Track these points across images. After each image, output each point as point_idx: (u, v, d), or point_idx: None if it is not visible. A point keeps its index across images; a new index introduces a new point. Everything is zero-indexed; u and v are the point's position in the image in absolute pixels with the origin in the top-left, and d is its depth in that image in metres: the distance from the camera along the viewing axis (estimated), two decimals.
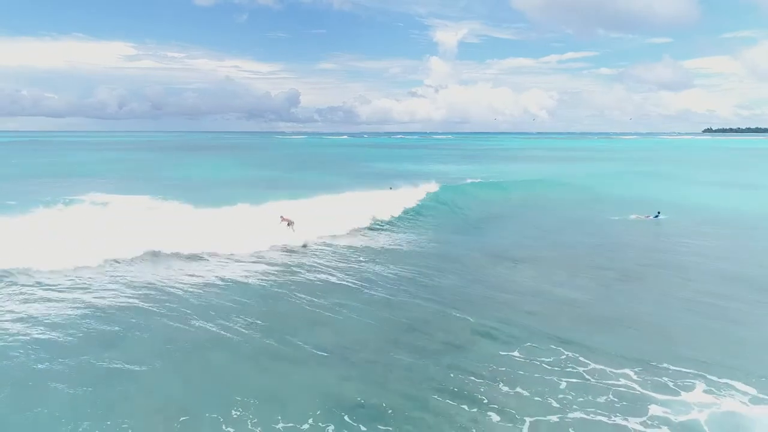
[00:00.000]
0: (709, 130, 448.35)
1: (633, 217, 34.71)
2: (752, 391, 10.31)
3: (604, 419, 9.36)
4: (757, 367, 11.38)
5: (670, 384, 10.64)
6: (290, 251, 22.39)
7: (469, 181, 46.11)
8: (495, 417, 9.33)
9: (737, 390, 10.38)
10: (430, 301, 15.56)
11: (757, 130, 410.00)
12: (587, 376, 10.98)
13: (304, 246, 23.25)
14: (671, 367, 11.28)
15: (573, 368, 11.31)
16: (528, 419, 9.22)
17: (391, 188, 38.20)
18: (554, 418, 9.31)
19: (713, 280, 18.92)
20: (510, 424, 9.13)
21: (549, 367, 11.32)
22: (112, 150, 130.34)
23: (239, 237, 22.16)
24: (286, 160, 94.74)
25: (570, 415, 9.44)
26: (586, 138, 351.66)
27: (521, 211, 35.69)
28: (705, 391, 10.32)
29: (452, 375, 10.81)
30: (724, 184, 53.11)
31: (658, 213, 33.64)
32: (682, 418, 9.41)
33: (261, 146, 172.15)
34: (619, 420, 9.35)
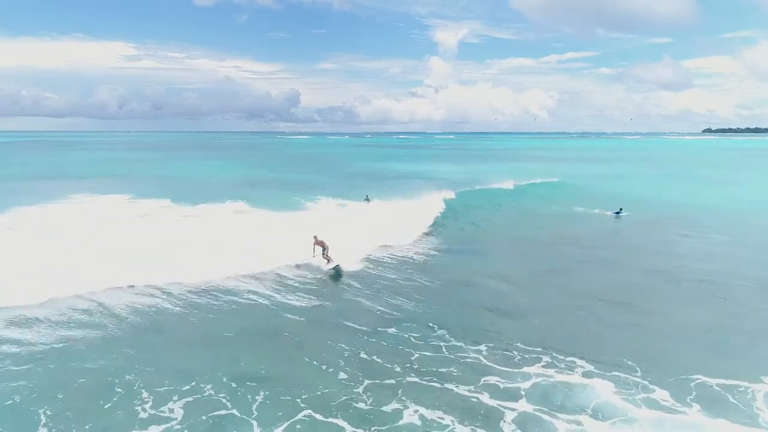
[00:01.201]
0: (708, 130, 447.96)
1: (597, 211, 36.43)
2: (589, 366, 12.02)
3: (436, 384, 11.10)
4: (613, 350, 13.07)
5: (516, 359, 12.40)
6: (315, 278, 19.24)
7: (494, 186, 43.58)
8: (342, 375, 11.25)
9: (576, 365, 12.06)
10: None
11: (757, 131, 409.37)
12: (444, 351, 12.79)
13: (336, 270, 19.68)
14: (524, 346, 13.07)
15: (434, 343, 13.21)
16: (367, 381, 11.21)
17: (367, 199, 37.13)
18: (391, 381, 11.19)
19: (634, 274, 20.51)
20: (351, 383, 11.05)
21: (412, 341, 13.25)
22: (111, 150, 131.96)
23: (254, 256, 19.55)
24: (305, 162, 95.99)
25: (407, 379, 11.29)
26: (586, 138, 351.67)
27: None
28: (544, 366, 12.03)
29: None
30: (708, 183, 54.96)
31: (620, 210, 35.17)
32: (509, 385, 11.11)
33: (270, 147, 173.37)
34: (449, 385, 11.10)
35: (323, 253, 20.09)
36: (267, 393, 10.54)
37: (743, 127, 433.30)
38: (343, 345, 13.11)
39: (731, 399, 10.55)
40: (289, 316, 15.27)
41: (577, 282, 19.44)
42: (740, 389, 10.92)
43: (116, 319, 14.49)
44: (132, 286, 16.98)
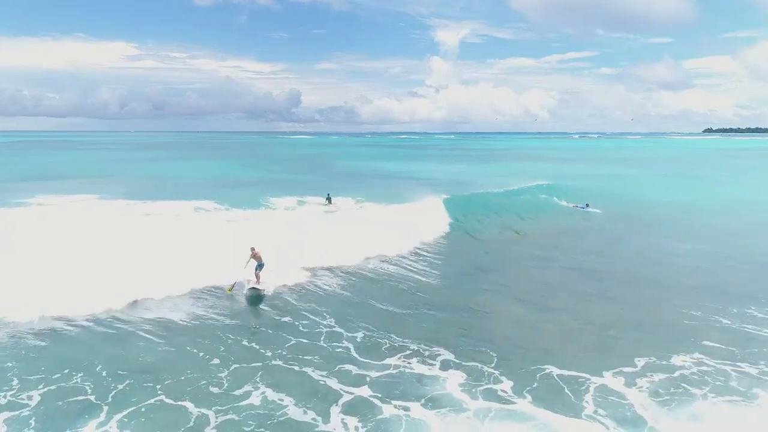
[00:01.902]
0: (709, 130, 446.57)
1: (563, 203, 37.20)
2: (450, 358, 12.73)
3: (295, 369, 11.98)
4: (485, 344, 13.77)
5: (383, 349, 13.17)
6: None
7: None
8: (214, 361, 11.80)
9: (438, 357, 12.75)
10: None
11: (758, 130, 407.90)
12: (320, 340, 13.59)
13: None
14: (397, 338, 13.83)
15: (316, 330, 13.97)
16: (235, 366, 11.93)
17: (328, 199, 37.17)
18: (257, 364, 11.92)
19: (561, 271, 21.31)
20: (216, 368, 11.57)
21: (297, 330, 13.96)
22: (103, 150, 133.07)
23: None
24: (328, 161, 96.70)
25: (272, 363, 12.22)
26: (585, 138, 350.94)
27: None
28: (406, 356, 12.75)
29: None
30: (696, 182, 55.80)
31: (587, 204, 35.92)
32: (360, 373, 11.84)
33: (267, 146, 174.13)
34: (306, 370, 11.97)
35: (255, 271, 17.73)
36: (131, 382, 11.25)
37: (743, 127, 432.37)
38: (224, 335, 13.83)
39: (566, 390, 11.17)
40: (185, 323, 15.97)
41: (497, 279, 20.03)
42: (579, 381, 11.55)
43: None
44: None
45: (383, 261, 21.78)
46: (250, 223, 27.66)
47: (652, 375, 11.90)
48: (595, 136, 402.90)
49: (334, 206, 36.17)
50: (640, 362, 12.55)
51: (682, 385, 11.49)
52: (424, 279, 19.84)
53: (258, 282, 17.65)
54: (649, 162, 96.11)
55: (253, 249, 18.01)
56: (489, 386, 11.34)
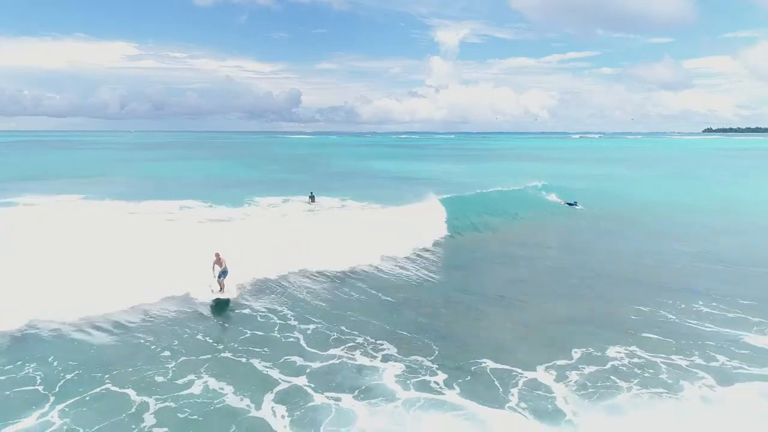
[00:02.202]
0: (709, 130, 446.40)
1: (552, 197, 37.89)
2: (393, 351, 13.24)
3: (242, 361, 12.58)
4: (433, 338, 14.29)
5: (330, 340, 13.76)
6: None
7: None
8: (164, 353, 12.25)
9: (381, 350, 13.28)
10: None
11: (758, 130, 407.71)
12: (274, 331, 14.13)
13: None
14: (347, 330, 14.41)
15: (271, 322, 14.45)
16: (183, 358, 12.42)
17: (311, 197, 37.80)
18: (206, 357, 12.44)
19: (534, 270, 21.76)
20: (165, 359, 12.03)
21: (254, 321, 14.39)
22: (100, 150, 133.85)
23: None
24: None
25: (221, 356, 12.75)
26: (584, 138, 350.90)
27: None
28: (350, 348, 13.29)
29: None
30: (687, 181, 56.33)
31: (575, 202, 36.51)
32: (303, 363, 12.33)
33: (264, 146, 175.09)
34: (253, 361, 12.51)
35: (218, 278, 17.03)
36: (79, 372, 11.73)
37: (743, 127, 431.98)
38: (181, 331, 14.31)
39: (495, 383, 11.60)
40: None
41: (464, 277, 20.51)
42: (511, 374, 11.98)
43: None
44: None
45: (356, 260, 22.10)
46: (229, 224, 28.02)
47: (583, 368, 12.34)
48: (597, 136, 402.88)
49: (316, 205, 36.82)
50: (576, 355, 13.00)
51: (611, 377, 11.92)
52: (387, 277, 20.30)
53: (222, 290, 16.97)
54: (646, 162, 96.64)
55: (217, 254, 17.12)
56: (423, 378, 11.78)
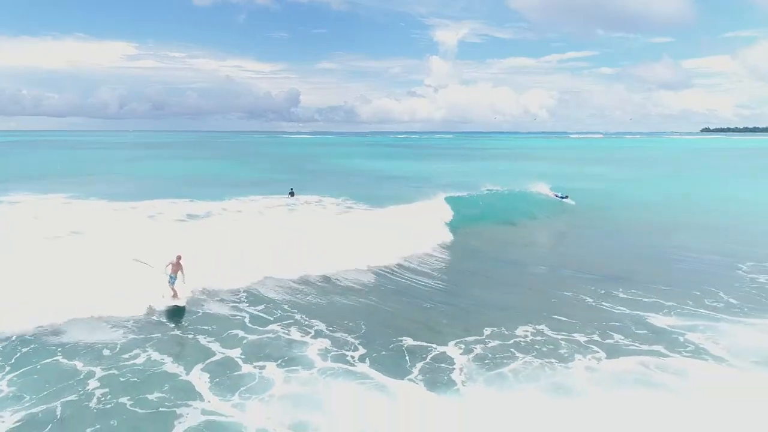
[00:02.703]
0: (707, 130, 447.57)
1: (542, 186, 39.36)
2: (322, 328, 14.73)
3: (189, 335, 14.00)
4: (376, 322, 15.83)
5: (273, 320, 15.11)
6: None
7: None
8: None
9: (316, 328, 14.79)
10: None
11: (755, 130, 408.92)
12: (222, 313, 15.52)
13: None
14: (289, 312, 15.90)
15: (228, 305, 15.89)
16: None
17: (291, 193, 39.56)
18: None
19: (499, 261, 23.36)
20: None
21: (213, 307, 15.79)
22: (102, 149, 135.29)
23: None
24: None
25: (171, 333, 13.98)
26: (584, 138, 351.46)
27: None
28: (287, 325, 14.78)
29: None
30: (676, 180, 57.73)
31: (567, 196, 37.88)
32: (251, 338, 13.71)
33: (260, 145, 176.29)
34: (200, 337, 13.95)
35: (169, 283, 16.31)
36: (35, 346, 13.19)
37: (741, 127, 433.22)
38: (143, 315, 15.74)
39: (405, 357, 12.97)
40: None
41: (423, 268, 21.75)
42: (423, 349, 13.37)
43: None
44: None
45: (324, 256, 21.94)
46: (202, 221, 29.11)
47: (488, 342, 13.78)
48: (600, 135, 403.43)
49: (295, 199, 38.71)
50: (487, 332, 14.44)
51: (510, 350, 13.34)
52: (356, 270, 21.11)
53: (175, 295, 16.28)
54: (640, 162, 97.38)
55: (179, 257, 16.45)
56: (342, 352, 13.21)
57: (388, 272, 21.09)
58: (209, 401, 10.79)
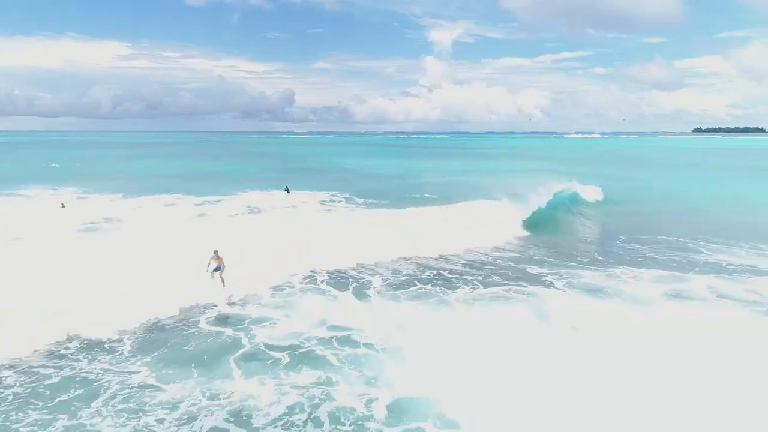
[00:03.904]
0: (698, 130, 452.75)
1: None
2: None
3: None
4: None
5: None
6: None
7: None
8: None
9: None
10: None
11: (746, 130, 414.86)
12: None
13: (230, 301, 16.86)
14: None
15: None
16: None
17: (286, 190, 42.37)
18: None
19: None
20: None
21: None
22: (92, 149, 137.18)
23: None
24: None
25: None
26: (585, 138, 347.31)
27: None
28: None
29: None
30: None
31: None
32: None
33: (256, 144, 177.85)
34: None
35: (219, 273, 17.41)
36: None
37: (732, 127, 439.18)
38: None
39: (357, 281, 18.35)
40: None
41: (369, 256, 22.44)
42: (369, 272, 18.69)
43: None
44: None
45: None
46: (210, 219, 29.91)
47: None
48: (598, 135, 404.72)
49: (291, 196, 41.82)
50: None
51: (415, 282, 18.67)
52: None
53: (221, 284, 17.38)
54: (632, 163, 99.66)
55: (216, 252, 17.60)
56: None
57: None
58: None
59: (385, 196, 41.36)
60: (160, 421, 10.05)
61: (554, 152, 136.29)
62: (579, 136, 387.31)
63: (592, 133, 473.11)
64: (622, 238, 26.58)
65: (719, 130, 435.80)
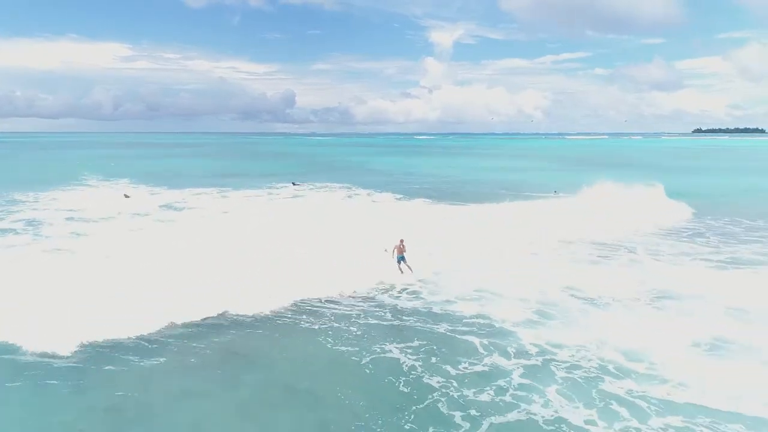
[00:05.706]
0: (698, 131, 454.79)
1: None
2: None
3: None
4: None
5: None
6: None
7: None
8: None
9: None
10: None
11: (746, 131, 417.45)
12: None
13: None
14: None
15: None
16: None
17: (294, 183, 46.94)
18: None
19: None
20: None
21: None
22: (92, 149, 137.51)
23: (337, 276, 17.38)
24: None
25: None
26: (592, 138, 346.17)
27: None
28: None
29: None
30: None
31: (555, 191, 42.48)
32: None
33: (254, 144, 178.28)
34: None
35: (400, 262, 18.40)
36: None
37: (732, 128, 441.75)
38: None
39: None
40: None
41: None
42: None
43: None
44: None
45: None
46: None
47: None
48: (605, 136, 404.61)
49: (299, 187, 46.01)
50: None
51: None
52: None
53: (407, 271, 18.33)
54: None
55: (401, 241, 18.50)
56: None
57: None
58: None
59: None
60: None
61: (598, 153, 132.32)
62: (584, 137, 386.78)
63: (599, 134, 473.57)
64: None
65: (719, 131, 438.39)
